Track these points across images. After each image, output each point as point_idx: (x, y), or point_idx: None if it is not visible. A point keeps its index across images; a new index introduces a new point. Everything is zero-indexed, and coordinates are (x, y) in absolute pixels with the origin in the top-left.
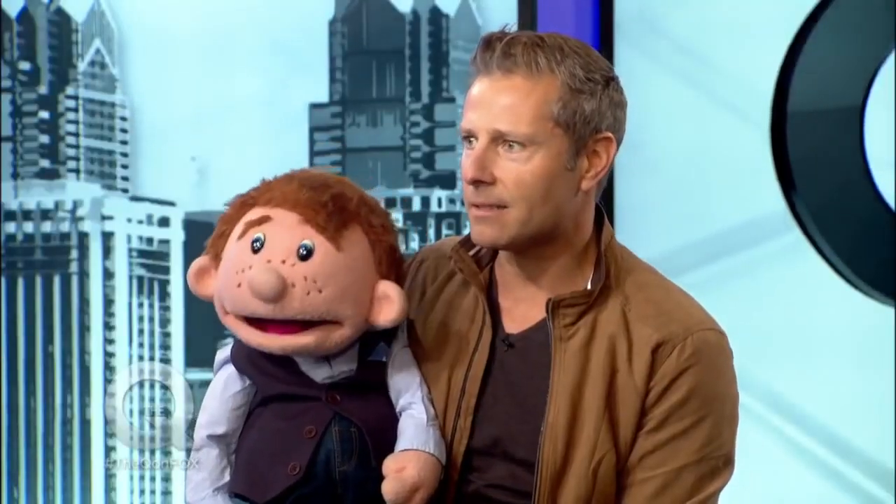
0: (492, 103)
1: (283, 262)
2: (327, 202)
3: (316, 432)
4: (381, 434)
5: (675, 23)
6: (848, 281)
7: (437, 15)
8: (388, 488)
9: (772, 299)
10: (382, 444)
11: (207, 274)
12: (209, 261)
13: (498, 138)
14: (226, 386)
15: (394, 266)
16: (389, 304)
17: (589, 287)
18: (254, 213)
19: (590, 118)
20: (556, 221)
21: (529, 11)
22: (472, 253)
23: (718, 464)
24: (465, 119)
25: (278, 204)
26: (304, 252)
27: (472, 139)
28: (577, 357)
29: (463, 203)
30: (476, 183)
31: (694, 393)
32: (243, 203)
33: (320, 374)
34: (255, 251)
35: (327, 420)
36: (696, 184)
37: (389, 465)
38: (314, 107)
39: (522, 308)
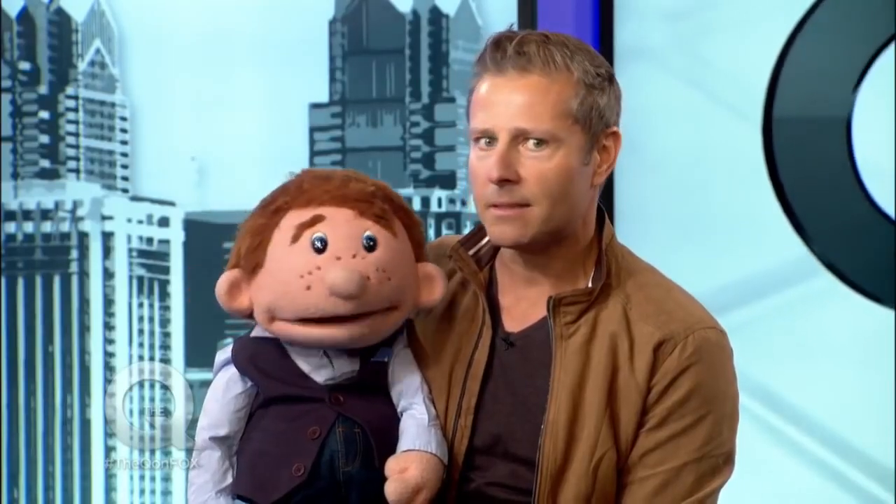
0: (510, 102)
1: (354, 256)
2: (375, 192)
3: (320, 433)
4: (385, 434)
5: (674, 23)
6: (845, 283)
7: (437, 15)
8: (390, 489)
9: (771, 299)
10: (386, 444)
11: (238, 289)
12: (241, 274)
13: (519, 136)
14: (227, 387)
15: (423, 248)
16: (434, 283)
17: (590, 285)
18: (299, 216)
19: (602, 113)
20: (572, 218)
21: (529, 11)
22: (471, 252)
23: (719, 462)
24: (479, 119)
25: (324, 202)
26: (371, 243)
27: (488, 140)
28: (577, 355)
29: (463, 203)
30: (502, 182)
31: (695, 391)
32: (276, 210)
33: (322, 375)
34: (319, 251)
35: (331, 421)
36: (696, 184)
37: (392, 466)
38: (314, 107)
39: (523, 306)
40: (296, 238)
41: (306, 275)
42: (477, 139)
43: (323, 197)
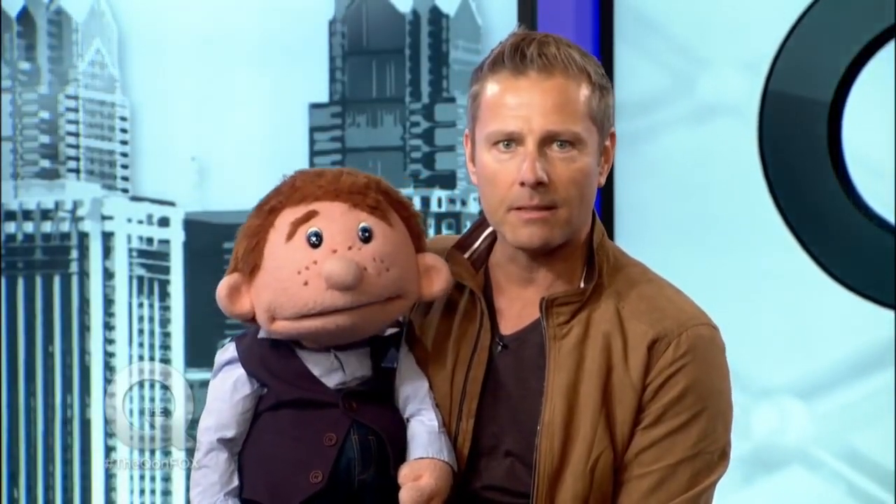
0: (537, 104)
1: (350, 248)
2: (368, 184)
3: (337, 440)
4: (398, 442)
5: (674, 23)
6: (842, 284)
7: (437, 15)
8: (406, 497)
9: (770, 299)
10: (400, 451)
11: (239, 292)
12: (241, 278)
13: (547, 139)
14: (235, 388)
15: (423, 239)
16: (436, 274)
17: (582, 285)
18: (294, 213)
19: (610, 114)
20: (586, 220)
21: (529, 11)
22: (466, 255)
23: (714, 458)
24: (502, 122)
25: (318, 198)
26: (366, 234)
27: (508, 142)
28: (571, 355)
29: (463, 203)
30: (537, 185)
31: (690, 389)
32: (270, 210)
33: (334, 379)
34: (315, 246)
35: (346, 428)
36: (696, 185)
37: (406, 473)
38: (314, 107)
39: (517, 308)
40: (291, 235)
41: (303, 270)
42: (496, 142)
43: (316, 192)
